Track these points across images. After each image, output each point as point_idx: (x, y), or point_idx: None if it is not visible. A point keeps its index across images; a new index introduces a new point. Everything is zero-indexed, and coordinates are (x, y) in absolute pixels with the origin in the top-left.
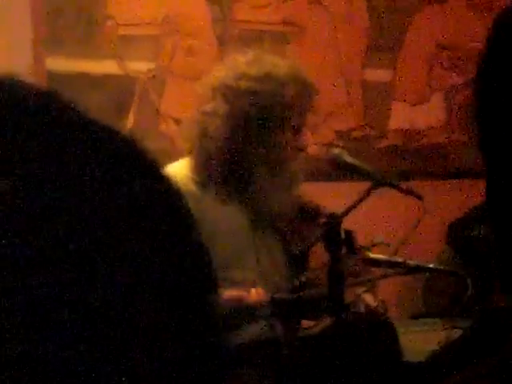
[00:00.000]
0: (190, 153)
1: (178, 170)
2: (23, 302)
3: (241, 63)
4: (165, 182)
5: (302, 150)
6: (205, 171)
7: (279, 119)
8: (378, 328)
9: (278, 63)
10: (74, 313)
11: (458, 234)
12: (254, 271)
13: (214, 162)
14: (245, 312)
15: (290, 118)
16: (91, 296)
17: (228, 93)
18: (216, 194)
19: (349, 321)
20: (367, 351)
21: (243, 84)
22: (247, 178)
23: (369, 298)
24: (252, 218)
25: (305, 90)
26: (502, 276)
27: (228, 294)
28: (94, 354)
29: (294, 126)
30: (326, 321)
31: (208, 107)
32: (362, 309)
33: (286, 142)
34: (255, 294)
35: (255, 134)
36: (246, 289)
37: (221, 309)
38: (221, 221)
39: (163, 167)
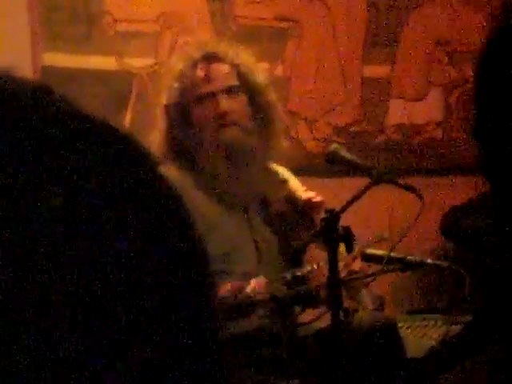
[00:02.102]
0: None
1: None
2: (21, 300)
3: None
4: (161, 179)
5: (222, 114)
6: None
7: (188, 97)
8: (381, 329)
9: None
10: (68, 307)
11: (450, 223)
12: (252, 258)
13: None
14: (244, 304)
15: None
16: (87, 291)
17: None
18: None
19: (350, 321)
20: (370, 351)
21: (170, 100)
22: (194, 158)
23: (366, 297)
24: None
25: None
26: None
27: (228, 285)
28: (90, 349)
29: (200, 96)
30: (324, 313)
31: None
32: (362, 304)
33: (203, 112)
34: (255, 283)
35: (178, 115)
36: (246, 279)
37: (221, 302)
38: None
39: (159, 161)
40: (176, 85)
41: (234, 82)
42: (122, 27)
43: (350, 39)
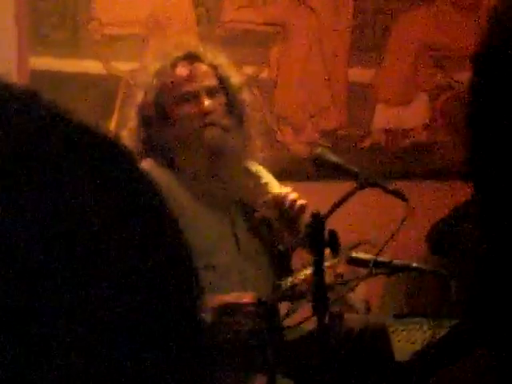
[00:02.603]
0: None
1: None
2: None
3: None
4: (147, 183)
5: (205, 113)
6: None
7: (168, 95)
8: (372, 333)
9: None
10: (56, 316)
11: (437, 235)
12: (232, 252)
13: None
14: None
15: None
16: (72, 298)
17: (142, 107)
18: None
19: (339, 325)
20: (360, 354)
21: (148, 98)
22: (170, 157)
23: (354, 298)
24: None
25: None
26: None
27: (220, 298)
28: (78, 356)
29: (182, 95)
30: (308, 318)
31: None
32: (346, 307)
33: (184, 111)
34: (248, 296)
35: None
36: (228, 272)
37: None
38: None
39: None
40: (154, 83)
41: (215, 82)
42: (109, 31)
43: (336, 43)
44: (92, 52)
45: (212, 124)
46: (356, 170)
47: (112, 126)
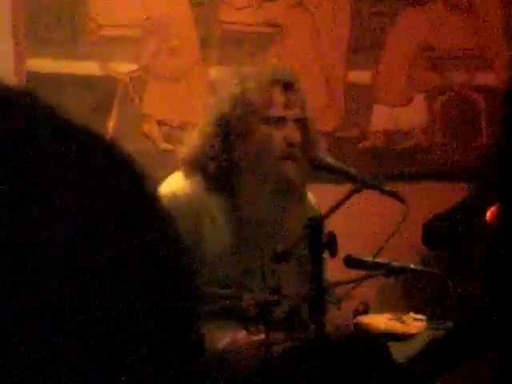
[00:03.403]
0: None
1: (181, 182)
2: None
3: (228, 94)
4: (145, 185)
5: (290, 144)
6: (209, 180)
7: (258, 114)
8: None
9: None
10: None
11: (433, 231)
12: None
13: (210, 166)
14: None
15: (267, 111)
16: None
17: (224, 118)
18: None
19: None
20: (357, 357)
21: (236, 111)
22: (236, 180)
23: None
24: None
25: (280, 87)
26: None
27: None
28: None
29: (274, 118)
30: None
31: (207, 132)
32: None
33: (269, 134)
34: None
35: (236, 129)
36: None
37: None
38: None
39: (144, 168)
40: (246, 98)
41: (304, 114)
42: (107, 32)
43: (334, 45)
44: (89, 53)
45: (291, 158)
46: (354, 171)
47: (109, 127)
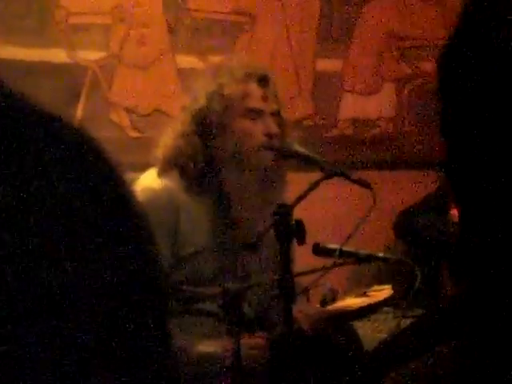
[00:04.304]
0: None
1: (158, 180)
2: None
3: (205, 87)
4: (113, 171)
5: (270, 135)
6: (185, 176)
7: (236, 107)
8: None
9: (231, 65)
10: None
11: (403, 224)
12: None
13: (187, 162)
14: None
15: (244, 104)
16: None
17: (201, 114)
18: (196, 194)
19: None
20: (328, 345)
21: (213, 105)
22: (215, 173)
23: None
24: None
25: (258, 80)
26: (457, 261)
27: None
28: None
29: (253, 110)
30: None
31: (184, 131)
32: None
33: (248, 127)
34: None
35: (215, 124)
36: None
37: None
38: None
39: (112, 156)
40: (222, 92)
41: (278, 107)
42: (75, 20)
43: (303, 33)
44: (58, 41)
45: (271, 148)
46: (322, 159)
47: (77, 114)
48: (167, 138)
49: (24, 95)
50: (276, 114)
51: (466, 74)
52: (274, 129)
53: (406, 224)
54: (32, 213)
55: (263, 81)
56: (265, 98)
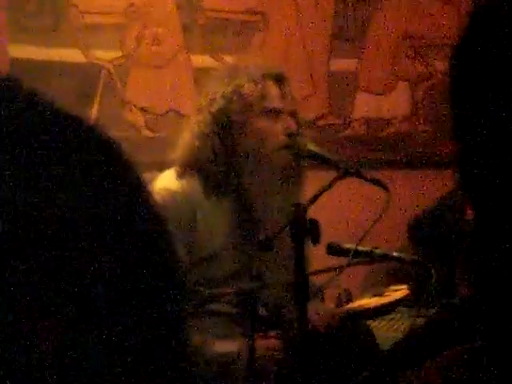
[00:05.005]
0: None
1: (176, 181)
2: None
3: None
4: (129, 171)
5: (290, 134)
6: (203, 177)
7: (255, 107)
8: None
9: (247, 69)
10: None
11: (418, 230)
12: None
13: (206, 164)
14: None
15: (263, 104)
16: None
17: (220, 115)
18: (215, 196)
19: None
20: (342, 344)
21: (233, 105)
22: (236, 173)
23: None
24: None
25: (275, 81)
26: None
27: None
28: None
29: (273, 110)
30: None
31: (204, 132)
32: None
33: (268, 126)
34: None
35: (235, 125)
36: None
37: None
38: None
39: (128, 155)
40: (240, 93)
41: (296, 106)
42: (89, 19)
43: (317, 33)
44: (72, 40)
45: (291, 147)
46: (337, 159)
47: (92, 114)
48: (186, 139)
49: (39, 95)
50: (294, 114)
51: (479, 74)
52: (294, 128)
53: (423, 231)
54: (56, 214)
55: (280, 80)
56: (283, 98)
